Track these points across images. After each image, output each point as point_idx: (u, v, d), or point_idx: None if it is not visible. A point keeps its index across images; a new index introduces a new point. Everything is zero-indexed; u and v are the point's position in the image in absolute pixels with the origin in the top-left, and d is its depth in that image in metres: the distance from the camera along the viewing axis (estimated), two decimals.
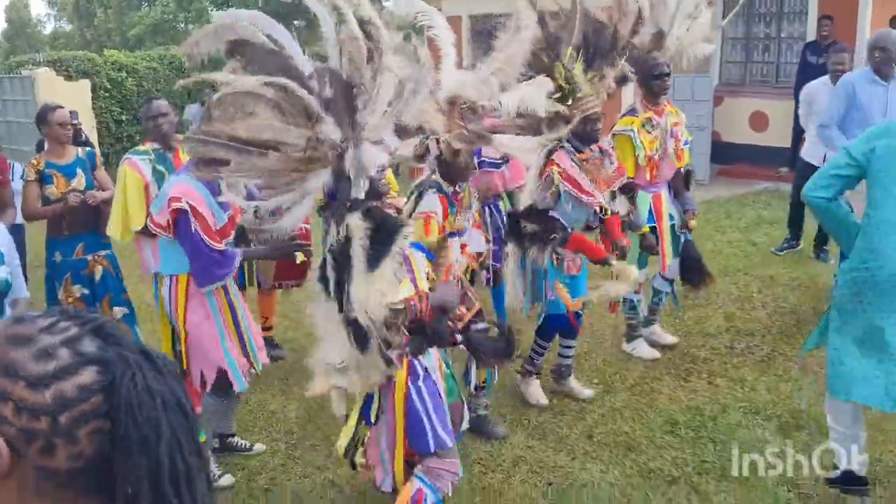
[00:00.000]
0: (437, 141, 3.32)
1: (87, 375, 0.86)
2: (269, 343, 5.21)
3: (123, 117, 13.50)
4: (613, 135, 4.73)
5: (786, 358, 4.82)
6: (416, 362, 2.93)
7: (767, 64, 10.79)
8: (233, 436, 4.04)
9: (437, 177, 3.55)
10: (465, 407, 3.30)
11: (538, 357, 4.45)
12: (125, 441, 0.85)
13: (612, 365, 4.88)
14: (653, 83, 4.60)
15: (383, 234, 2.70)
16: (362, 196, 2.69)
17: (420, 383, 2.92)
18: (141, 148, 4.22)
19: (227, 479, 3.73)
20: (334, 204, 2.70)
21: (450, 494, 2.96)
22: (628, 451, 3.88)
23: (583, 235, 4.17)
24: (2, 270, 2.93)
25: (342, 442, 3.19)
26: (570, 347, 4.53)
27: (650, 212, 4.73)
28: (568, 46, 3.96)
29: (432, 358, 3.01)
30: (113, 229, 4.09)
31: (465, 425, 3.31)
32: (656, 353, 4.94)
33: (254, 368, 3.73)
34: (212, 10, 29.05)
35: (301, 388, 4.67)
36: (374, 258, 2.68)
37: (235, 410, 4.08)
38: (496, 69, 3.41)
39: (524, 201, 4.14)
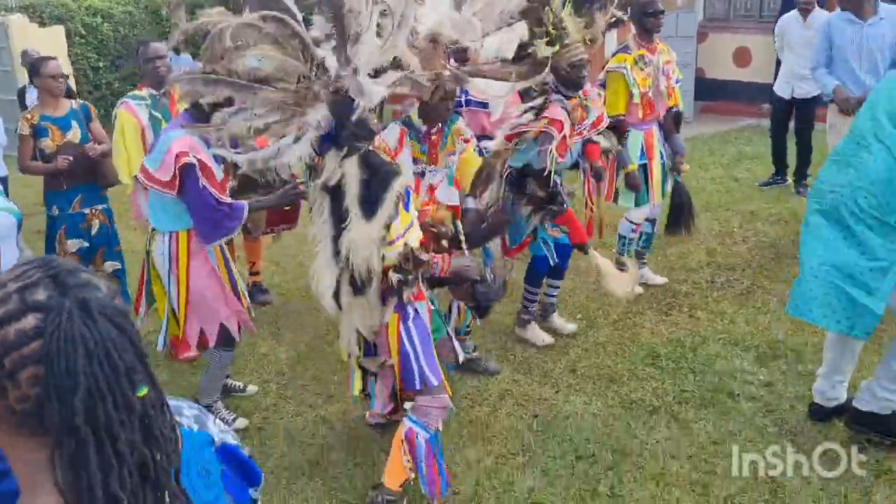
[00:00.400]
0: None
1: (28, 321, 0.89)
2: (258, 288, 5.27)
3: (101, 64, 13.21)
4: (607, 71, 4.74)
5: (764, 291, 4.93)
6: (406, 304, 2.98)
7: None
8: (227, 376, 4.11)
9: (414, 114, 3.62)
10: (455, 342, 3.35)
11: (531, 304, 4.51)
12: (46, 388, 0.88)
13: (595, 301, 4.98)
14: (646, 20, 4.63)
15: (379, 181, 2.74)
16: (363, 125, 2.71)
17: (410, 323, 2.97)
18: (137, 92, 4.22)
19: (241, 422, 3.75)
20: (327, 145, 2.72)
21: (440, 429, 3.05)
22: (611, 383, 4.00)
23: (572, 215, 4.17)
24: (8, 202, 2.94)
25: (357, 385, 3.26)
26: (555, 287, 4.60)
27: (642, 149, 4.77)
28: None
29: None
30: (121, 173, 4.14)
31: (460, 357, 3.36)
32: (640, 290, 5.01)
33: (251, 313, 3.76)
34: None
35: (290, 332, 4.78)
36: (371, 205, 2.72)
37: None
38: (479, 10, 3.40)
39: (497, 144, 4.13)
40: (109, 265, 4.68)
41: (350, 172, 2.74)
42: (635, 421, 3.64)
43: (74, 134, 4.47)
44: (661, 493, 3.12)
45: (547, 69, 3.76)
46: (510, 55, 3.40)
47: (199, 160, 3.26)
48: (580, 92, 4.12)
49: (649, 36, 4.69)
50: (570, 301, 4.95)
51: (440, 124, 3.68)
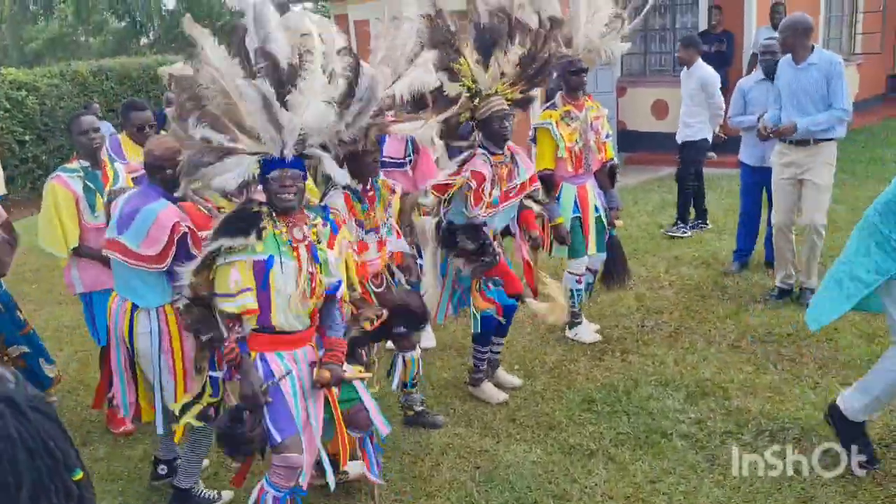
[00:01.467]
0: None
1: None
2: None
3: (27, 137, 13.04)
4: (534, 128, 4.94)
5: (691, 331, 5.14)
6: (262, 366, 3.01)
7: (665, 54, 11.28)
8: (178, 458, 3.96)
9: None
10: (372, 410, 3.36)
11: (481, 363, 4.54)
12: None
13: (532, 351, 5.10)
14: (570, 79, 4.83)
15: (218, 229, 2.96)
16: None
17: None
18: (69, 165, 4.19)
19: (227, 495, 3.70)
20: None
21: (294, 485, 3.05)
22: (549, 430, 4.09)
23: (505, 266, 4.27)
24: None
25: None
26: (499, 344, 4.66)
27: (575, 202, 4.91)
28: (465, 43, 4.10)
29: (286, 361, 3.06)
30: (51, 244, 4.08)
31: (383, 428, 3.40)
32: (598, 337, 5.16)
33: None
34: (112, 22, 28.26)
35: None
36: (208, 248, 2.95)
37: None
38: (382, 58, 3.55)
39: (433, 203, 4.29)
40: (15, 349, 4.34)
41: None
42: (574, 466, 3.73)
43: None
44: None
45: (458, 106, 3.98)
46: (428, 87, 3.62)
47: (189, 228, 3.30)
48: (506, 148, 4.29)
49: (574, 93, 4.88)
50: (508, 353, 5.04)
51: (370, 179, 3.78)
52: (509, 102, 4.21)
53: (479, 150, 4.21)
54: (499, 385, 4.60)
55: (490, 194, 4.15)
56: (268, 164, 2.93)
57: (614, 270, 5.32)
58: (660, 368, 4.65)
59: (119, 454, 4.19)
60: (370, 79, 3.06)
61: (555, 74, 4.88)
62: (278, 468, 3.02)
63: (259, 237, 2.95)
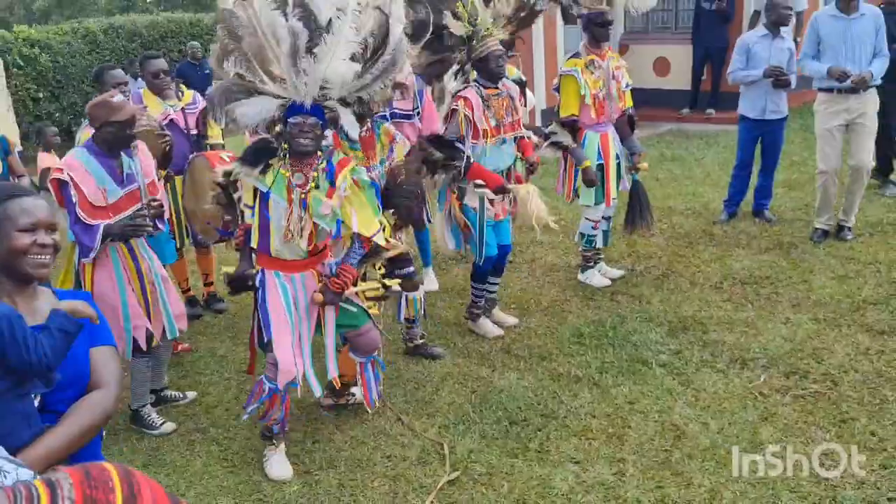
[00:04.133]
0: None
1: None
2: (213, 298, 5.61)
3: (40, 95, 13.31)
4: (560, 75, 5.19)
5: (677, 275, 5.47)
6: (263, 274, 3.50)
7: (667, 11, 11.43)
8: (165, 389, 4.32)
9: None
10: (377, 330, 3.75)
11: (479, 300, 4.87)
12: None
13: (528, 292, 5.45)
14: (595, 30, 5.03)
15: (245, 154, 3.45)
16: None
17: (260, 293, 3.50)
18: None
19: (168, 426, 4.04)
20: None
21: (280, 384, 3.45)
22: (541, 360, 4.46)
23: (481, 166, 4.49)
24: None
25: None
26: (495, 284, 4.99)
27: (598, 150, 5.16)
28: None
29: (283, 281, 3.48)
30: None
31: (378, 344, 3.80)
32: (607, 282, 5.43)
33: (167, 335, 3.95)
34: None
35: (246, 334, 5.11)
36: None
37: (165, 365, 4.31)
38: None
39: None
40: None
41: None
42: (561, 390, 4.10)
43: None
44: (583, 445, 3.58)
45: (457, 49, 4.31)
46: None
47: (71, 177, 3.52)
48: (501, 84, 4.57)
49: (598, 43, 5.08)
50: (506, 293, 5.40)
51: (369, 124, 4.03)
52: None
53: (472, 84, 4.53)
54: (496, 323, 4.96)
55: (484, 120, 4.42)
56: (290, 109, 3.25)
57: (640, 214, 5.46)
58: (645, 307, 5.00)
59: None
60: (398, 41, 3.31)
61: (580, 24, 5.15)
62: (270, 365, 3.49)
63: (263, 171, 3.36)
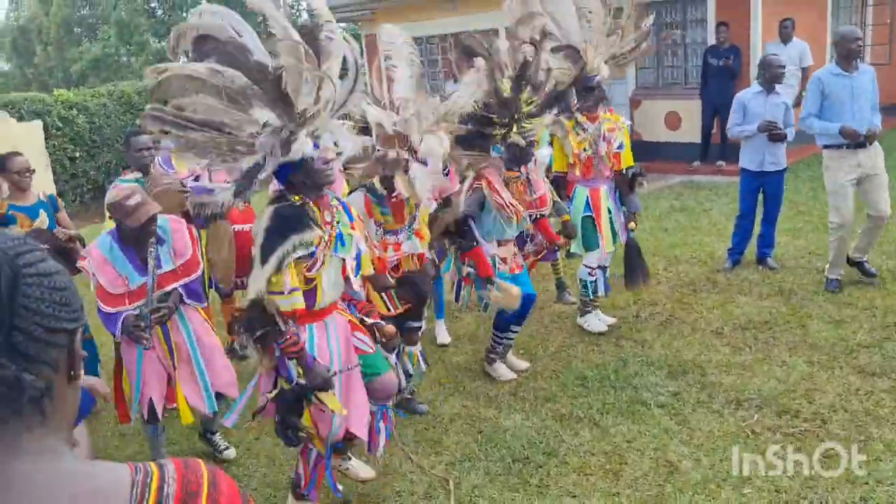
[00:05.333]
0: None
1: None
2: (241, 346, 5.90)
3: (77, 154, 13.94)
4: (550, 135, 5.53)
5: (680, 321, 5.68)
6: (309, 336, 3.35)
7: (676, 68, 11.81)
8: (215, 433, 4.47)
9: (376, 181, 4.32)
10: (396, 377, 3.79)
11: (498, 346, 5.10)
12: None
13: (535, 338, 5.69)
14: (584, 94, 5.37)
15: (278, 233, 3.08)
16: (311, 176, 3.15)
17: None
18: (127, 176, 4.88)
19: (230, 453, 4.31)
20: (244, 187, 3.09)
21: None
22: (545, 402, 4.67)
23: (480, 251, 4.68)
24: None
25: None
26: (515, 332, 5.19)
27: (587, 203, 5.47)
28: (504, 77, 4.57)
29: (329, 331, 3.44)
30: None
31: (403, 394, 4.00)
32: (604, 327, 5.67)
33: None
34: (154, 43, 29.49)
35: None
36: (266, 252, 3.09)
37: (215, 425, 4.38)
38: (414, 113, 4.09)
39: (455, 207, 4.88)
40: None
41: (263, 219, 3.13)
42: (564, 430, 4.30)
43: (41, 222, 4.85)
44: (581, 481, 3.78)
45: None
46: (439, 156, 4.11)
47: (93, 271, 3.71)
48: (522, 168, 4.86)
49: (587, 106, 5.41)
50: (515, 339, 5.63)
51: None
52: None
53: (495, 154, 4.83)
54: (509, 367, 5.18)
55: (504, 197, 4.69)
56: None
57: (634, 271, 5.75)
58: (647, 351, 5.21)
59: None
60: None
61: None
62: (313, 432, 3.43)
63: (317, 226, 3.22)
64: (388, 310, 4.18)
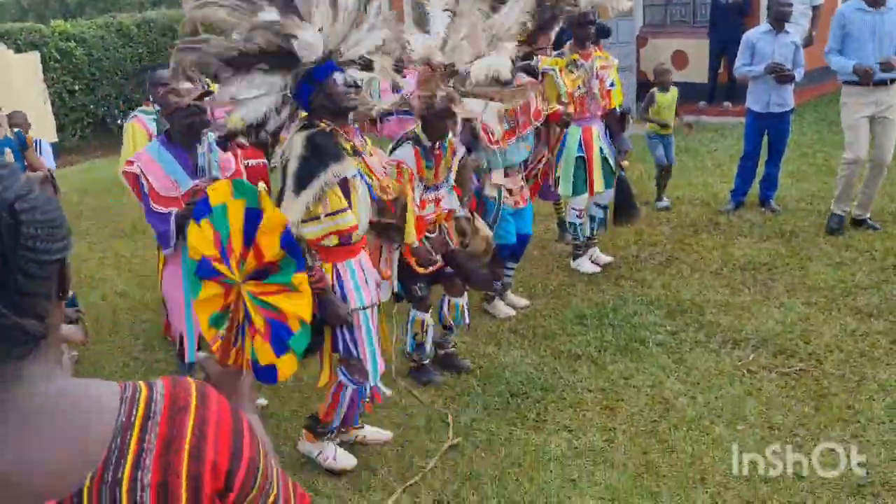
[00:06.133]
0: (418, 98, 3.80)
1: None
2: None
3: (76, 87, 13.76)
4: (541, 73, 5.45)
5: (680, 261, 5.70)
6: (337, 286, 3.28)
7: (685, 5, 11.56)
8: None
9: (418, 129, 3.98)
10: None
11: (496, 283, 5.03)
12: None
13: (536, 276, 5.71)
14: (577, 30, 5.29)
15: (316, 161, 3.00)
16: (333, 100, 3.07)
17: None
18: (146, 108, 4.84)
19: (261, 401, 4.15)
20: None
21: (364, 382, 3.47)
22: (544, 339, 4.72)
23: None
24: None
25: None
26: (511, 268, 5.26)
27: (580, 143, 5.42)
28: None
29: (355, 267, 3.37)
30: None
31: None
32: (597, 269, 5.70)
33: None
34: None
35: None
36: (301, 182, 3.01)
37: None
38: (466, 35, 3.87)
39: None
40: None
41: (295, 146, 3.01)
42: (561, 366, 4.36)
43: (7, 159, 4.71)
44: (577, 416, 3.84)
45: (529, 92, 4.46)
46: (503, 74, 3.95)
47: (142, 170, 3.51)
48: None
49: (582, 43, 5.34)
50: (515, 277, 5.66)
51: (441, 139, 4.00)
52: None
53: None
54: (508, 305, 5.22)
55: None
56: (320, 70, 3.07)
57: (623, 208, 5.80)
58: (647, 291, 5.24)
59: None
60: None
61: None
62: (352, 366, 3.38)
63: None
64: (423, 268, 4.03)
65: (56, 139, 12.47)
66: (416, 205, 3.85)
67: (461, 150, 4.23)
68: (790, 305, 4.78)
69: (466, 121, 4.43)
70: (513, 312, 5.11)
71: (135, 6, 24.44)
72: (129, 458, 0.99)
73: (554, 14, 4.95)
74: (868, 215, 6.04)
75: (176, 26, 15.46)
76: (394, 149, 3.98)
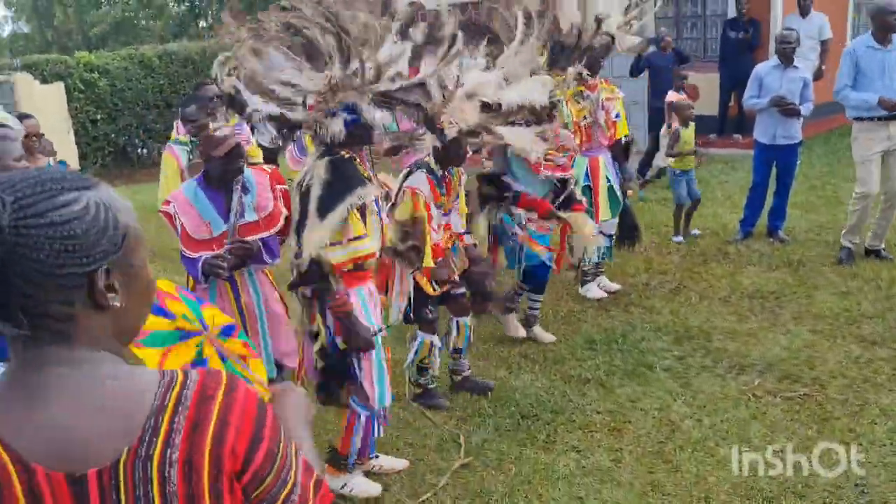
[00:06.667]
0: (441, 127, 3.75)
1: None
2: None
3: (98, 116, 14.11)
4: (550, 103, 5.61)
5: (688, 289, 5.81)
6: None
7: (696, 40, 11.78)
8: None
9: (429, 159, 4.04)
10: None
11: (536, 308, 5.25)
12: None
13: (546, 304, 5.80)
14: (591, 61, 5.38)
15: (340, 187, 3.08)
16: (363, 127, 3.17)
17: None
18: (181, 138, 4.98)
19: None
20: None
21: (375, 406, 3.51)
22: (554, 364, 4.83)
23: (526, 195, 4.80)
24: None
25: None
26: (537, 301, 5.32)
27: (586, 173, 5.56)
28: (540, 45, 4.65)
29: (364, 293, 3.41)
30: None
31: None
32: (604, 294, 5.84)
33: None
34: (172, 6, 29.54)
35: None
36: (325, 207, 3.08)
37: None
38: (504, 71, 4.00)
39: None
40: None
41: (318, 173, 3.09)
42: (571, 390, 4.46)
43: None
44: (585, 437, 3.94)
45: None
46: (539, 102, 4.03)
47: (176, 212, 3.54)
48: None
49: (592, 73, 5.45)
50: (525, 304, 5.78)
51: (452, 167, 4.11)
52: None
53: None
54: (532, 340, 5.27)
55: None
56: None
57: (626, 234, 5.94)
58: (655, 317, 5.35)
59: None
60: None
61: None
62: (360, 391, 3.41)
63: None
64: (434, 290, 4.13)
65: (79, 167, 12.77)
66: (433, 228, 3.97)
67: (465, 174, 4.33)
68: (796, 332, 4.87)
69: (500, 147, 4.59)
70: (552, 338, 5.16)
71: (156, 38, 25.04)
72: (161, 436, 1.11)
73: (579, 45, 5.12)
74: (882, 246, 6.14)
75: (196, 58, 15.89)
76: (405, 177, 4.09)
